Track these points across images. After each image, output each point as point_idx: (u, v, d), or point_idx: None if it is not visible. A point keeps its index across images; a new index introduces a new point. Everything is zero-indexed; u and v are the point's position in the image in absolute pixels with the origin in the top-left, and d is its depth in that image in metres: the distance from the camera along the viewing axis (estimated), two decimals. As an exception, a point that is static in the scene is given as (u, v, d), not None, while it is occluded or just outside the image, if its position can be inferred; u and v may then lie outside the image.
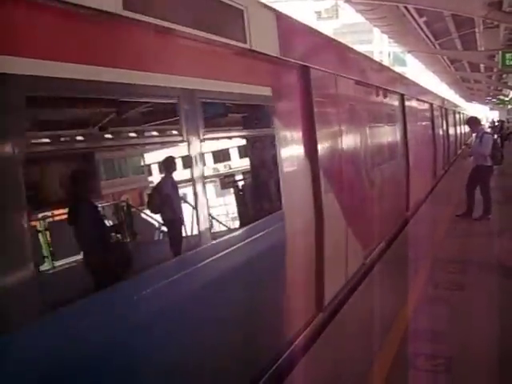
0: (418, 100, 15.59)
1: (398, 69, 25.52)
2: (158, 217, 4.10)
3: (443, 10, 15.12)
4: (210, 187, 4.51)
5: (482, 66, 28.49)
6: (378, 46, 41.14)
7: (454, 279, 7.37)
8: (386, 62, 30.35)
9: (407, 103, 13.48)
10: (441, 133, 21.24)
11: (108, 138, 3.52)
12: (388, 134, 11.41)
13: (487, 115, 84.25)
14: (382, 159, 10.09)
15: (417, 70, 41.39)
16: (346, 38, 18.02)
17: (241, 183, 5.64)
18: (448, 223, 11.64)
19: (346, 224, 6.98)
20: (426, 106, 17.90)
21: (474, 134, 14.39)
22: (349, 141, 7.44)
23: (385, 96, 10.81)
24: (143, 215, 4.10)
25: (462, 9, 14.53)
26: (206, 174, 4.07)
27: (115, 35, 3.22)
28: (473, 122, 13.63)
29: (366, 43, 37.25)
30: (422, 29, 18.35)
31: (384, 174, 10.14)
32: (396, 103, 12.49)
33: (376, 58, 24.47)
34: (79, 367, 2.82)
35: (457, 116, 29.67)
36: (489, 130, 20.86)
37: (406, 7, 15.21)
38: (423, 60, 30.16)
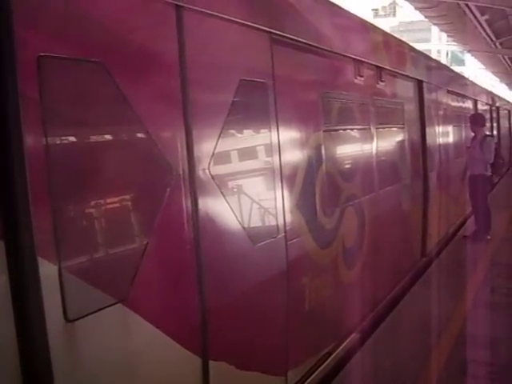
0: (450, 93, 12.84)
1: (456, 68, 24.88)
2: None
3: (506, 7, 14.63)
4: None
5: (545, 66, 27.48)
6: (436, 44, 40.28)
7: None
8: (443, 62, 29.67)
9: (429, 95, 10.37)
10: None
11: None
12: (386, 142, 8.24)
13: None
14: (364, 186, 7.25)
15: (476, 70, 40.35)
16: (403, 37, 17.69)
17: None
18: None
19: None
20: (468, 102, 15.21)
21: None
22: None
23: (378, 79, 7.73)
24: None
25: (526, 6, 14.05)
26: None
27: None
28: (477, 120, 11.17)
29: (424, 42, 36.53)
30: (482, 27, 17.82)
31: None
32: (406, 94, 9.36)
33: (434, 57, 23.92)
34: None
35: None
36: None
37: (467, 5, 14.80)
38: (483, 60, 29.32)
